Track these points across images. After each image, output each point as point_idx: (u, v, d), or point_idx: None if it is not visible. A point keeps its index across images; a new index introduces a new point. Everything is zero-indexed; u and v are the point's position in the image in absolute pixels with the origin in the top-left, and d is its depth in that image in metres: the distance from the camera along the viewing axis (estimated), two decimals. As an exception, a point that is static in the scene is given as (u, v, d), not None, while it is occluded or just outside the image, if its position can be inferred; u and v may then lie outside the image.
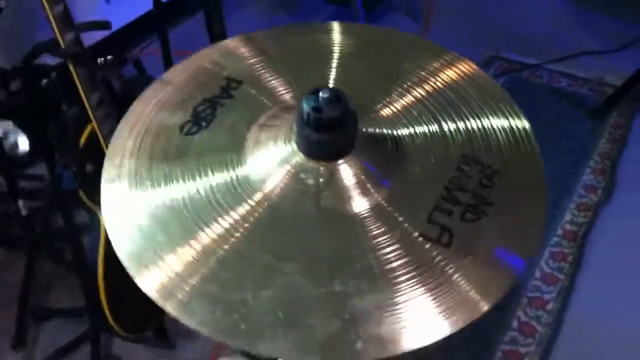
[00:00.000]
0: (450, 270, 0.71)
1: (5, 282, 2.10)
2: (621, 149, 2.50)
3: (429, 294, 0.69)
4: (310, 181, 0.76)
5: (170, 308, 0.69)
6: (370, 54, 0.95)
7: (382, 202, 0.76)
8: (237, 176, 0.78)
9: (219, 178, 0.79)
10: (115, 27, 2.42)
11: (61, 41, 1.44)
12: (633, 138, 2.54)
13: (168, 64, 1.93)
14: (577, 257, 2.14)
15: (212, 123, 0.84)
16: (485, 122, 0.85)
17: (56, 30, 1.43)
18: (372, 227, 0.74)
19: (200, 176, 0.79)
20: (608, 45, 2.92)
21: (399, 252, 0.72)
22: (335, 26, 0.99)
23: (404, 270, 0.71)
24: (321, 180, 0.76)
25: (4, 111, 2.15)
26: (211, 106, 0.86)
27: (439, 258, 0.72)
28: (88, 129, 1.60)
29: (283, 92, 0.89)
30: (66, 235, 1.91)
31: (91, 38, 1.57)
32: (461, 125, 0.84)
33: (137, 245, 0.73)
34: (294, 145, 0.78)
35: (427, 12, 3.15)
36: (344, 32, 0.98)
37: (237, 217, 0.75)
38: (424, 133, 0.84)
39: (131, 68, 2.12)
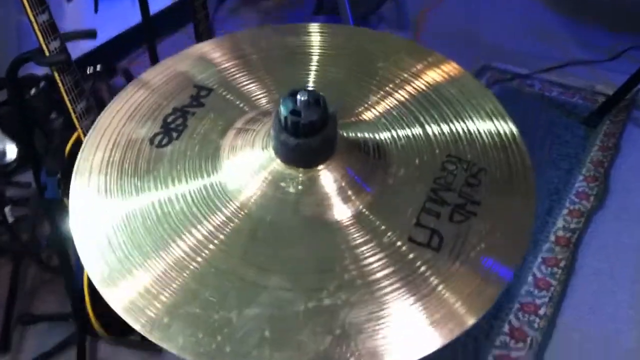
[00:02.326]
0: (436, 281, 0.67)
1: (-9, 289, 2.09)
2: (614, 157, 2.49)
3: (416, 305, 0.66)
4: (291, 189, 0.73)
5: (144, 330, 0.65)
6: (350, 55, 0.92)
7: (366, 208, 0.73)
8: (211, 184, 0.75)
9: (192, 185, 0.75)
10: (104, 38, 2.42)
11: (46, 49, 1.42)
12: (625, 145, 2.53)
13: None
14: (570, 262, 2.12)
15: (183, 133, 0.81)
16: (471, 125, 0.82)
17: (40, 38, 1.41)
18: (357, 235, 0.71)
19: (174, 183, 0.75)
20: (597, 55, 2.91)
21: (385, 261, 0.69)
22: (313, 27, 0.95)
23: (390, 281, 0.67)
24: (301, 187, 0.73)
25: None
26: (182, 116, 0.83)
27: (424, 267, 0.68)
28: (74, 137, 1.58)
29: (258, 96, 0.85)
30: (52, 242, 1.90)
31: (81, 49, 1.55)
32: (445, 128, 0.81)
33: (105, 259, 0.70)
34: (271, 151, 0.74)
35: (418, 24, 3.12)
36: (322, 34, 0.94)
37: (211, 228, 0.71)
38: (407, 136, 0.80)
39: (120, 79, 2.11)
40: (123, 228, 0.72)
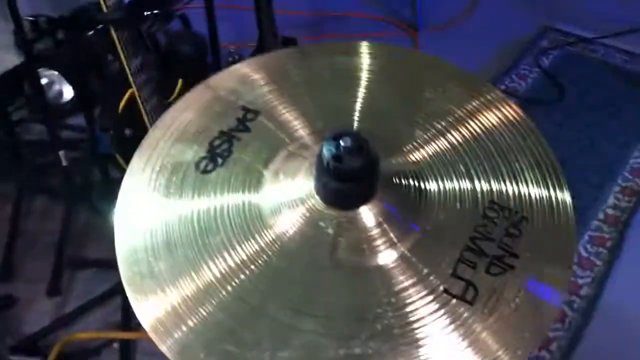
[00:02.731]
0: (472, 332, 0.67)
1: (43, 230, 2.13)
2: (675, 132, 2.36)
3: (454, 356, 0.66)
4: (330, 230, 0.72)
5: (170, 354, 0.66)
6: (402, 83, 0.89)
7: (406, 252, 0.72)
8: (250, 202, 0.75)
9: (232, 202, 0.76)
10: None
11: (104, 5, 1.43)
12: (689, 121, 2.40)
13: (211, 19, 1.91)
14: (617, 242, 2.06)
15: (228, 160, 0.80)
16: (519, 175, 0.78)
17: (98, -7, 1.41)
18: (394, 281, 0.70)
19: (215, 194, 0.77)
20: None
21: (423, 309, 0.68)
22: (364, 48, 0.92)
23: (427, 330, 0.67)
24: (338, 229, 0.72)
25: (49, 60, 2.15)
26: (227, 140, 0.82)
27: (465, 315, 0.68)
28: (128, 94, 1.59)
29: (303, 126, 0.83)
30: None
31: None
32: (495, 185, 0.78)
33: (140, 262, 0.73)
34: (312, 187, 0.74)
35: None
36: (372, 55, 0.91)
37: (244, 255, 0.72)
38: (453, 186, 0.78)
39: (177, 22, 2.10)
40: (162, 237, 0.74)
